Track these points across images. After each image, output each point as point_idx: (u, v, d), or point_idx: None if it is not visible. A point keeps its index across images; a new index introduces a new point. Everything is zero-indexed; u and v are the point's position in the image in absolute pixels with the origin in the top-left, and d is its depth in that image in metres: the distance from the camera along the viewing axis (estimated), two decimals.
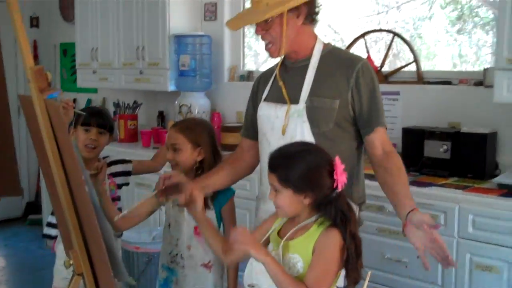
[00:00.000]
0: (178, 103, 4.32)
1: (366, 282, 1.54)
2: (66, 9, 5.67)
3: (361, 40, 3.78)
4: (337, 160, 1.65)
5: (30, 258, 4.84)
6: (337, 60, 2.05)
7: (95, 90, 5.44)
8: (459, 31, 3.63)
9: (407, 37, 3.70)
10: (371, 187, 2.23)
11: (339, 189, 1.64)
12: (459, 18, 3.63)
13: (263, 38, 2.03)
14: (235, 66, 4.50)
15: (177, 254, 2.30)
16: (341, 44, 4.03)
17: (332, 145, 1.91)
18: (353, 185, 2.06)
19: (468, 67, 3.57)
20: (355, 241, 1.64)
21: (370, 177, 2.10)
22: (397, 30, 3.74)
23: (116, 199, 2.65)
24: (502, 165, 3.11)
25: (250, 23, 2.01)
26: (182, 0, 4.42)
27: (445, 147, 3.09)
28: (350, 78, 2.00)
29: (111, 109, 4.93)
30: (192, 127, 2.32)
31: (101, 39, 4.82)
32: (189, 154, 2.27)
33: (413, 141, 3.23)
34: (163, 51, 4.34)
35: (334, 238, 1.62)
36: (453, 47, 3.65)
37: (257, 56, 4.63)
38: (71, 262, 1.63)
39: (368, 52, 3.73)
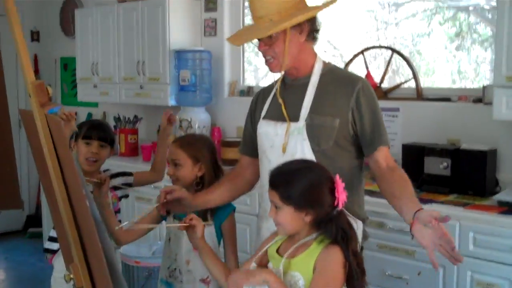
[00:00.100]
0: (178, 118, 4.33)
1: None
2: (67, 24, 5.69)
3: (360, 56, 3.79)
4: (338, 178, 1.65)
5: (30, 271, 4.81)
6: (337, 79, 2.06)
7: (95, 104, 5.46)
8: (458, 48, 3.65)
9: (406, 53, 3.72)
10: (372, 203, 2.23)
11: (340, 207, 1.64)
12: (457, 34, 3.65)
13: (265, 54, 2.03)
14: (235, 81, 4.52)
15: (175, 269, 2.29)
16: (341, 60, 4.05)
17: (332, 163, 1.91)
18: (355, 202, 2.04)
19: (468, 83, 3.58)
20: (356, 259, 1.63)
21: (371, 193, 2.11)
22: (396, 47, 3.76)
23: (117, 211, 2.65)
24: (502, 182, 3.11)
25: (255, 38, 2.01)
26: (182, 15, 4.45)
27: (445, 164, 3.08)
28: (350, 98, 2.00)
29: (111, 123, 4.93)
30: (192, 143, 2.32)
31: (102, 53, 4.85)
32: (189, 170, 2.27)
33: (413, 157, 3.22)
34: (164, 66, 4.37)
35: (335, 255, 1.62)
36: (452, 64, 3.66)
37: (257, 71, 4.65)
38: (71, 276, 1.62)
39: (367, 68, 3.74)
